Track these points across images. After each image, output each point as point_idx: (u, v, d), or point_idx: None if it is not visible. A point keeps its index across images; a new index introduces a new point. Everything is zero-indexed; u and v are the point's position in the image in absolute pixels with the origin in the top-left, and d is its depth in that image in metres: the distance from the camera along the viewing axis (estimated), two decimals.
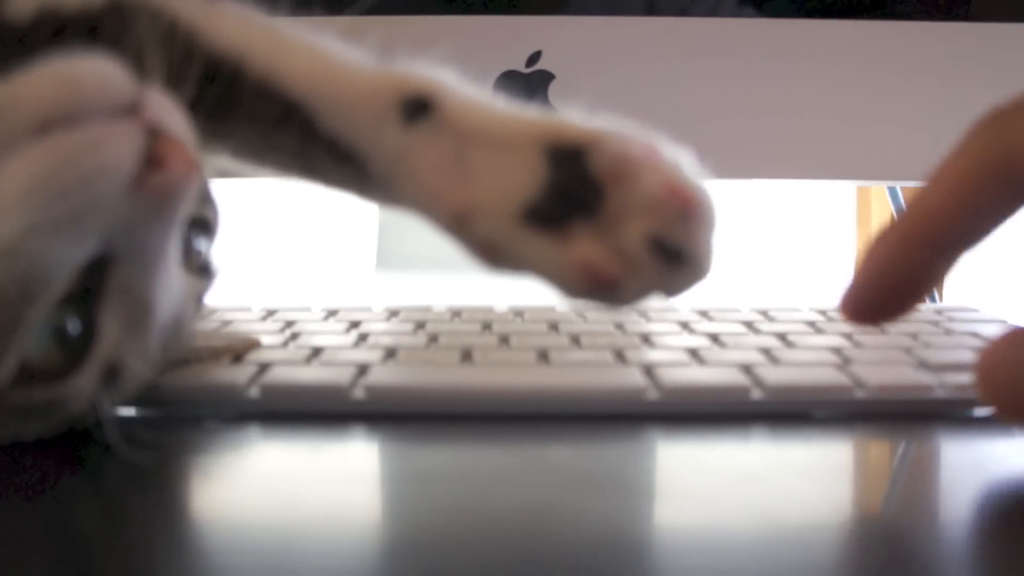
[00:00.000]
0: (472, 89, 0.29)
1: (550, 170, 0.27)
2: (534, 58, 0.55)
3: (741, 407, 0.33)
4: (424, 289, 0.66)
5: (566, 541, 0.23)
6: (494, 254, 0.28)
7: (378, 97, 0.29)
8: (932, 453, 0.32)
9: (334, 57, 0.31)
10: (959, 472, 0.30)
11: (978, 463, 0.30)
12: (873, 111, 0.56)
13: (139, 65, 0.28)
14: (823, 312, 0.48)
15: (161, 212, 0.27)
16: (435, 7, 0.56)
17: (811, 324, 0.45)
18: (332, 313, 0.49)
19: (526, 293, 0.62)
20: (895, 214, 0.65)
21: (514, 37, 0.55)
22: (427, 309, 0.50)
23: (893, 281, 0.26)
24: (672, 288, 0.27)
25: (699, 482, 0.27)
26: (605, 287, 0.27)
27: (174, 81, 0.29)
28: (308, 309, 0.50)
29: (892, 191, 0.66)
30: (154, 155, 0.27)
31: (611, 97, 0.56)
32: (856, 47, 0.56)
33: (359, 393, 0.34)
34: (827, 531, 0.24)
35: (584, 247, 0.26)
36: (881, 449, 0.32)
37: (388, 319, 0.47)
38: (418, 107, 0.29)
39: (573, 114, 0.28)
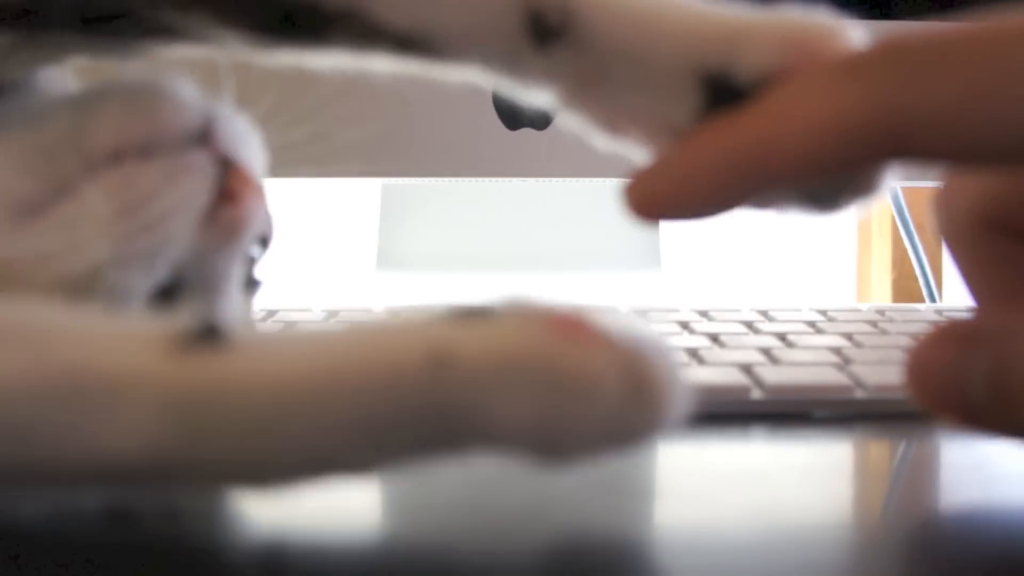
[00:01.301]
0: None
1: (703, 95, 0.24)
2: None
3: (741, 407, 0.34)
4: (424, 289, 0.65)
5: (565, 539, 0.23)
6: None
7: (508, 19, 0.25)
8: (932, 453, 0.32)
9: None
10: (959, 472, 0.30)
11: (978, 463, 0.30)
12: None
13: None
14: (823, 312, 0.48)
15: (231, 243, 0.28)
16: None
17: (811, 324, 0.45)
18: (333, 314, 0.49)
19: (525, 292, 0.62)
20: (893, 213, 0.65)
21: None
22: (428, 309, 0.50)
23: (699, 197, 0.23)
24: None
25: (699, 482, 0.27)
26: None
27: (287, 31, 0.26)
28: (308, 309, 0.50)
29: (892, 190, 0.66)
30: (227, 190, 0.27)
31: None
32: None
33: None
34: (827, 531, 0.24)
35: None
36: (881, 449, 0.32)
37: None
38: (548, 28, 0.25)
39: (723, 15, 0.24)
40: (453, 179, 0.56)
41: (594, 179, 0.56)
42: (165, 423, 0.19)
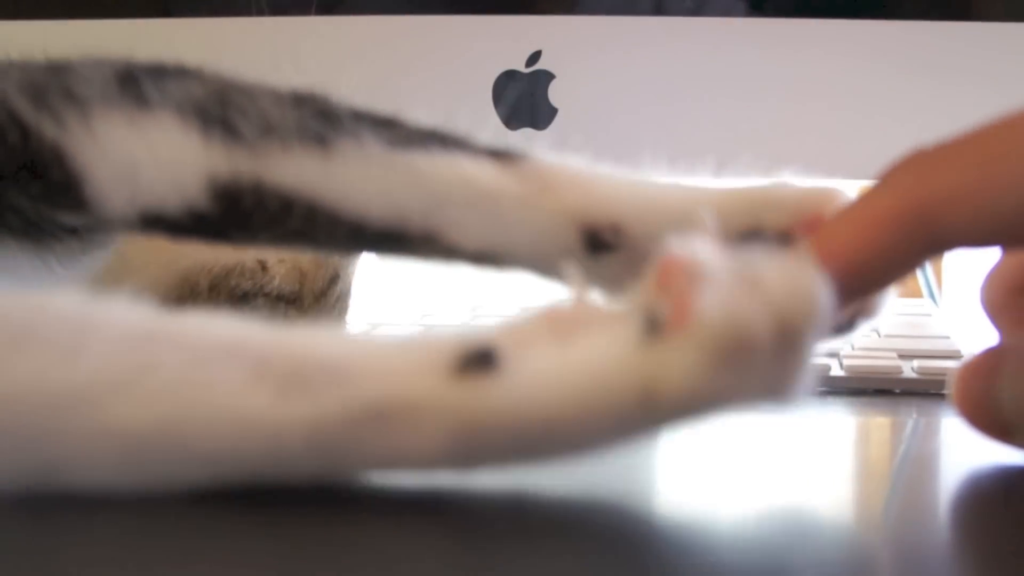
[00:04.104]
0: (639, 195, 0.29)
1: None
2: (534, 58, 0.56)
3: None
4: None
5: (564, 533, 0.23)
6: None
7: (565, 237, 0.29)
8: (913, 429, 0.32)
9: (501, 199, 0.29)
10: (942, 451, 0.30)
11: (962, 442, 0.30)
12: (874, 111, 0.56)
13: None
14: None
15: None
16: (436, 7, 0.56)
17: None
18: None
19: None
20: None
21: (514, 37, 0.56)
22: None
23: None
24: None
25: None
26: None
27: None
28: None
29: None
30: None
31: (610, 97, 0.56)
32: (856, 47, 0.56)
33: None
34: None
35: None
36: (866, 424, 0.34)
37: None
38: (602, 243, 0.29)
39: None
40: None
41: None
42: (455, 441, 0.22)
